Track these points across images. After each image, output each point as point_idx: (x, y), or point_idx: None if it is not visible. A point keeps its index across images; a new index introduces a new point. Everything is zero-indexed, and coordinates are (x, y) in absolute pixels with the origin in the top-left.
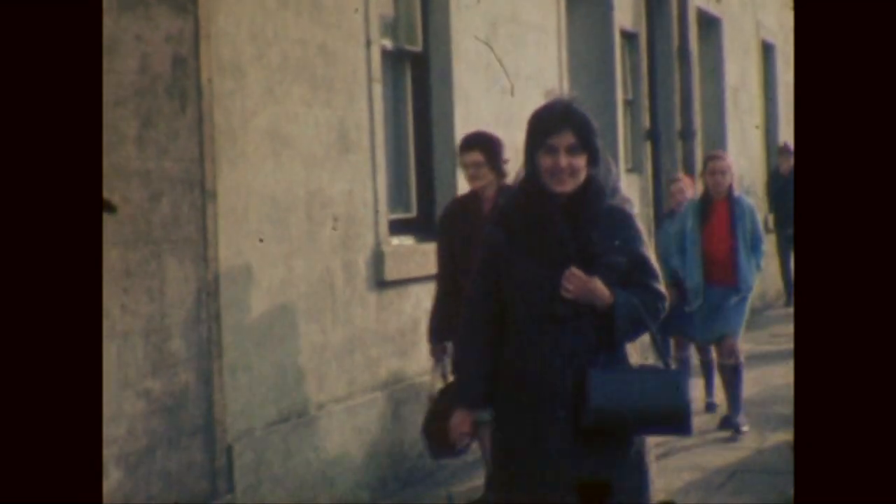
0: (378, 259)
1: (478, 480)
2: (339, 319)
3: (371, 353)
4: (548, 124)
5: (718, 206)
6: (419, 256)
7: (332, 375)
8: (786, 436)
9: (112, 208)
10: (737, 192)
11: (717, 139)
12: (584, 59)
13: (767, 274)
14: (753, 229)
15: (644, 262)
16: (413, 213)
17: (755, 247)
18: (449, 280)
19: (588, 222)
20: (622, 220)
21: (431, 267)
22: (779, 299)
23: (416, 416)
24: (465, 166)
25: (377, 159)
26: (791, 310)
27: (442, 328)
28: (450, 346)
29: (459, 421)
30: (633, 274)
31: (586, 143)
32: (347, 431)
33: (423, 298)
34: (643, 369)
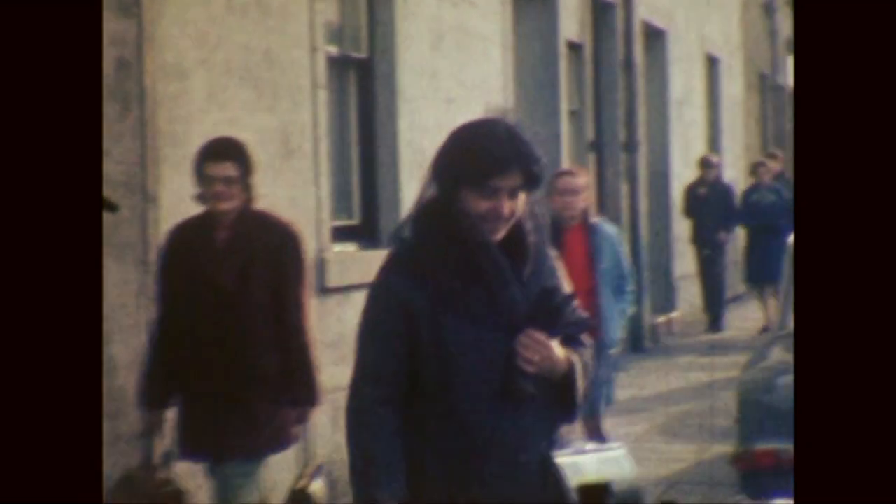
0: (320, 266)
1: None
2: None
3: None
4: (491, 162)
5: (571, 235)
6: (362, 263)
7: None
8: (724, 448)
9: (113, 207)
10: (595, 219)
11: (661, 151)
12: (529, 69)
13: (688, 295)
14: (618, 265)
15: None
16: (356, 220)
17: (620, 288)
18: (173, 328)
19: (534, 273)
20: (552, 260)
21: (374, 274)
22: (696, 326)
23: None
24: (211, 181)
25: (320, 166)
26: (714, 336)
27: (160, 390)
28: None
29: None
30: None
31: (534, 181)
32: None
33: None
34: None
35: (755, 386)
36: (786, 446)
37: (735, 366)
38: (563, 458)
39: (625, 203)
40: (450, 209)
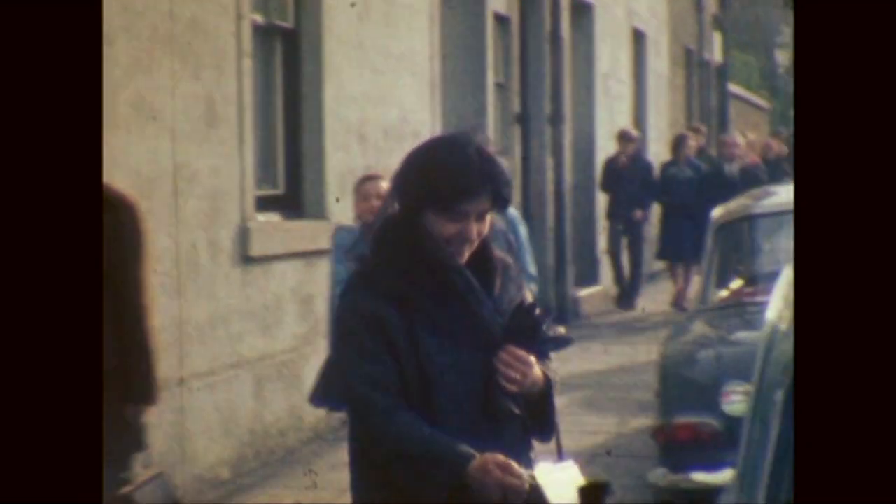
0: (243, 235)
1: (342, 456)
2: (202, 295)
3: (234, 329)
4: (459, 186)
5: None
6: (285, 233)
7: (194, 352)
8: (646, 421)
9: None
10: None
11: (586, 125)
12: (456, 42)
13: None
14: (516, 252)
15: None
16: (280, 190)
17: None
18: None
19: (502, 289)
20: (516, 273)
21: (297, 244)
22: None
23: (279, 394)
24: None
25: (245, 135)
26: (626, 314)
27: None
28: None
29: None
30: None
31: (502, 202)
32: (208, 408)
33: (288, 276)
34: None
35: (676, 360)
36: (705, 420)
37: (654, 340)
38: (542, 478)
39: (550, 176)
40: (414, 230)
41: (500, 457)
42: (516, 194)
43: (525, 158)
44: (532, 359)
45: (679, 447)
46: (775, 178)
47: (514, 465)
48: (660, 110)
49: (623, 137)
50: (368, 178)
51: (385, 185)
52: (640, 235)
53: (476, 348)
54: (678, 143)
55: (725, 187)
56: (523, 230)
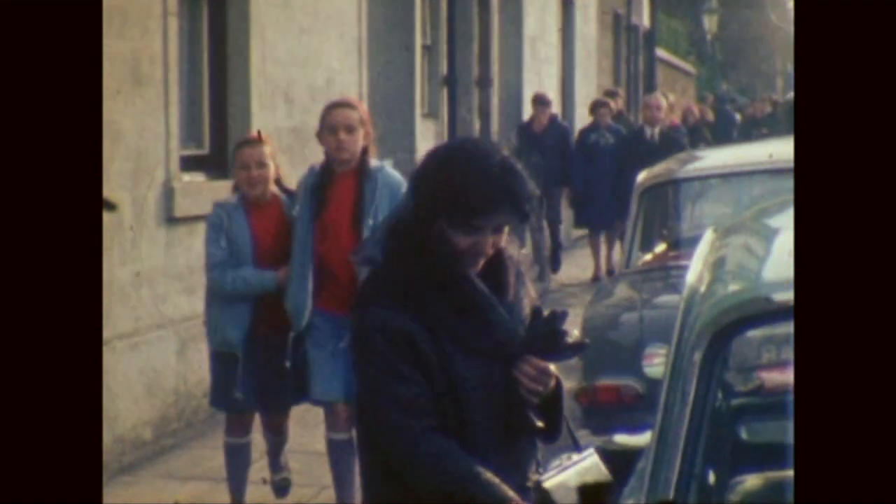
0: (168, 195)
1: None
2: (126, 255)
3: (159, 290)
4: (479, 204)
5: (341, 184)
6: (211, 193)
7: (116, 312)
8: (569, 383)
9: (112, 207)
10: (376, 162)
11: (514, 88)
12: (384, 2)
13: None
14: None
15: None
16: (206, 150)
17: None
18: None
19: (516, 296)
20: (526, 277)
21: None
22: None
23: (203, 355)
24: None
25: (170, 94)
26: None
27: None
28: None
29: None
30: None
31: (523, 216)
32: (132, 369)
33: None
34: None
35: (599, 322)
36: (627, 382)
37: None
38: (550, 482)
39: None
40: (426, 236)
41: None
42: None
43: (452, 121)
44: (552, 367)
45: (601, 409)
46: (694, 143)
47: None
48: (587, 74)
49: (537, 101)
50: (247, 143)
51: (268, 150)
52: (559, 204)
53: (498, 360)
54: (596, 109)
55: (645, 151)
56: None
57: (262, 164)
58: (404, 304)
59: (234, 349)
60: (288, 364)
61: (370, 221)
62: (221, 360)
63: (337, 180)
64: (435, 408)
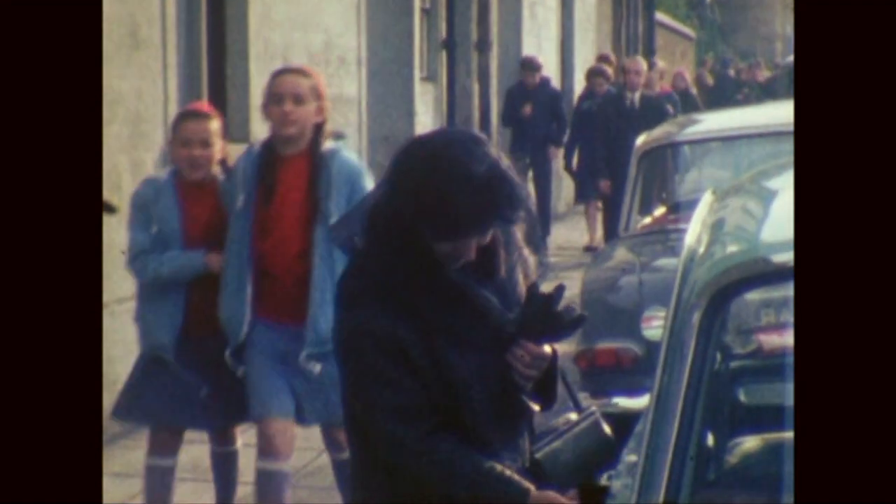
0: (166, 159)
1: None
2: (125, 218)
3: None
4: (465, 218)
5: (288, 170)
6: None
7: (115, 276)
8: (568, 347)
9: (112, 209)
10: (330, 144)
11: (513, 52)
12: None
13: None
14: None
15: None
16: None
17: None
18: None
19: (508, 273)
20: (522, 250)
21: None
22: None
23: None
24: None
25: (168, 58)
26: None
27: None
28: None
29: None
30: None
31: (512, 219)
32: (130, 333)
33: None
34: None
35: (598, 285)
36: (626, 345)
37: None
38: (541, 453)
39: (476, 103)
40: (405, 232)
41: (558, 496)
42: (442, 120)
43: (451, 85)
44: (546, 349)
45: (600, 372)
46: (686, 109)
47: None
48: (586, 38)
49: (526, 65)
50: (192, 116)
51: (216, 126)
52: (548, 171)
53: (492, 348)
54: (591, 77)
55: (625, 119)
56: (368, 186)
57: (206, 143)
58: (390, 305)
59: (164, 352)
60: (240, 371)
61: (324, 215)
62: (144, 364)
63: (283, 165)
64: (431, 408)
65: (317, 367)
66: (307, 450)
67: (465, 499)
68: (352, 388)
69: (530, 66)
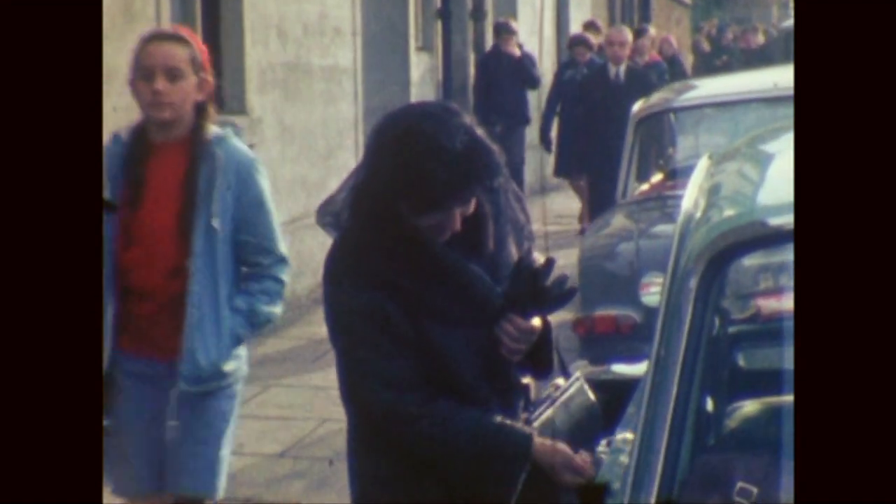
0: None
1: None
2: None
3: None
4: (439, 193)
5: (162, 161)
6: None
7: None
8: (566, 314)
9: (112, 208)
10: (216, 130)
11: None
12: None
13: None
14: (250, 225)
15: None
16: None
17: (256, 276)
18: None
19: (497, 244)
20: (513, 208)
21: None
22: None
23: None
24: None
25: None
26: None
27: None
28: None
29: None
30: None
31: (492, 188)
32: None
33: None
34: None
35: (596, 252)
36: (624, 311)
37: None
38: (536, 423)
39: (471, 72)
40: (387, 210)
41: (560, 444)
42: (438, 90)
43: (447, 54)
44: (534, 322)
45: (599, 339)
46: (674, 76)
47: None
48: (581, 5)
49: (500, 30)
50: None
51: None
52: (522, 140)
53: (480, 322)
54: (572, 46)
55: (610, 93)
56: (263, 183)
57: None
58: (376, 282)
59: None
60: (106, 423)
61: (209, 220)
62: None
63: (156, 155)
64: (423, 379)
65: (188, 418)
66: (308, 419)
67: (468, 454)
68: (346, 362)
69: (504, 30)
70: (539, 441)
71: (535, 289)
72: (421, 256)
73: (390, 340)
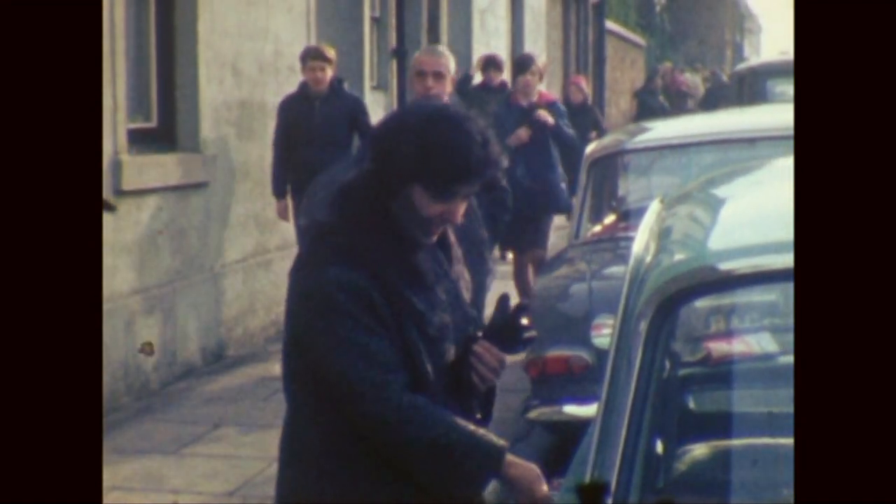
0: (116, 168)
1: (215, 390)
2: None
3: (107, 263)
4: (466, 169)
5: None
6: (158, 167)
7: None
8: (517, 355)
9: (112, 207)
10: None
11: (463, 60)
12: None
13: None
14: None
15: None
16: (153, 123)
17: None
18: None
19: (454, 270)
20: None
21: (171, 177)
22: None
23: (153, 329)
24: None
25: (117, 66)
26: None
27: None
28: None
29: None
30: None
31: (488, 184)
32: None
33: (162, 209)
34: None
35: (549, 293)
36: (576, 353)
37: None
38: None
39: None
40: (391, 200)
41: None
42: None
43: (402, 93)
44: (505, 357)
45: (551, 380)
46: (580, 127)
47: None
48: (537, 46)
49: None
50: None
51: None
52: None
53: (445, 339)
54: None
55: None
56: None
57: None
58: (360, 266)
59: None
60: None
61: None
62: None
63: None
64: (401, 364)
65: None
66: (258, 459)
67: (441, 445)
68: (324, 347)
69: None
70: (511, 455)
71: (514, 328)
72: (408, 252)
73: (375, 320)
